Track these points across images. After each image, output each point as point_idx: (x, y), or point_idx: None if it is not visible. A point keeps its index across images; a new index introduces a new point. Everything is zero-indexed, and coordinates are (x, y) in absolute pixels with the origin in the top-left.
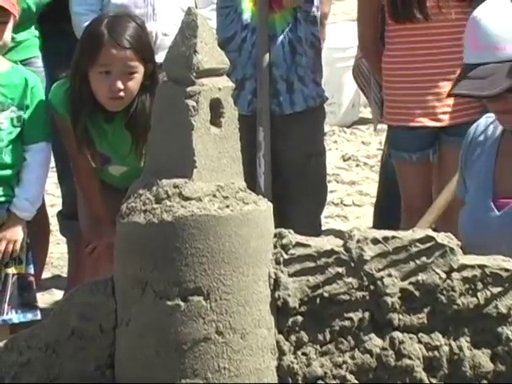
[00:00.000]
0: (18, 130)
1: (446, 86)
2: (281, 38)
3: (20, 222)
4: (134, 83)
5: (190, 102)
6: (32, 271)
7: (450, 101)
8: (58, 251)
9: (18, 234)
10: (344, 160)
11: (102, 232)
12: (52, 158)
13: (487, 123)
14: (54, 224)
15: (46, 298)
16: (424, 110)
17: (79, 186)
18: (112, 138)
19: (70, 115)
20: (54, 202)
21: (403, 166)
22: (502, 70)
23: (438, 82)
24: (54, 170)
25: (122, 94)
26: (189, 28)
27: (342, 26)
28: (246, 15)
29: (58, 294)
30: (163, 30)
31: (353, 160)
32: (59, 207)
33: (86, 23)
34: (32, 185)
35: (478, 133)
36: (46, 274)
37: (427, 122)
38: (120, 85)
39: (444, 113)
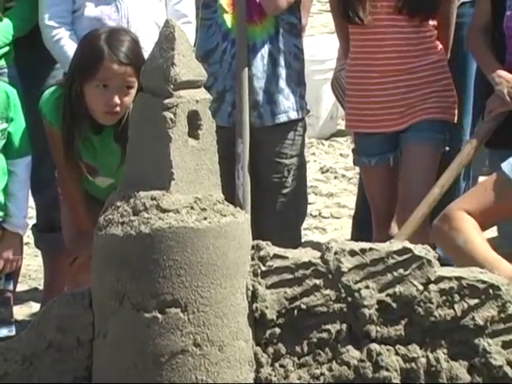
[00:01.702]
0: (3, 142)
1: (394, 89)
2: (261, 49)
3: (19, 240)
4: (130, 98)
5: (168, 114)
6: (10, 287)
7: (408, 102)
8: (35, 263)
9: (18, 251)
10: (322, 172)
11: (84, 243)
12: None
13: None
14: (31, 236)
15: (24, 311)
16: (380, 116)
17: (64, 196)
18: (100, 150)
19: (60, 125)
20: (32, 214)
21: (364, 171)
22: None
23: (390, 87)
24: None
25: (117, 109)
26: (166, 40)
27: (319, 38)
28: (226, 27)
29: (35, 307)
30: None
31: (331, 172)
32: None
33: (58, 36)
34: (25, 201)
35: None
36: (23, 287)
37: (384, 128)
38: (117, 100)
39: (400, 117)
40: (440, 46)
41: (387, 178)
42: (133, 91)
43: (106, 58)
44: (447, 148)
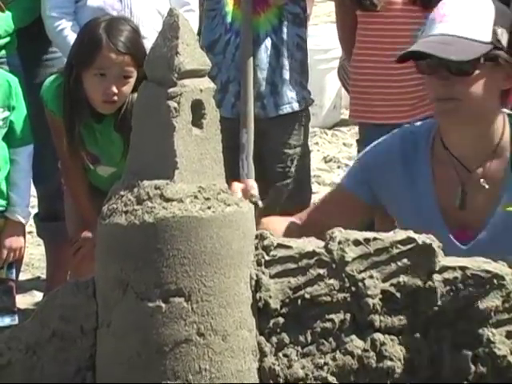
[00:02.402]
0: (5, 130)
1: (408, 81)
2: (265, 40)
3: (22, 229)
4: (128, 87)
5: (172, 104)
6: (13, 276)
7: (414, 95)
8: (38, 252)
9: (21, 241)
10: (325, 162)
11: (87, 232)
12: None
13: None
14: (33, 225)
15: (27, 300)
16: (388, 107)
17: (67, 186)
18: (102, 139)
19: (61, 113)
20: (34, 203)
21: None
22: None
23: (402, 79)
24: None
25: (115, 98)
26: (170, 29)
27: (323, 27)
28: (230, 18)
29: (38, 296)
30: (141, 33)
31: (334, 162)
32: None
33: (60, 27)
34: (28, 190)
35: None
36: (26, 276)
37: (394, 120)
38: (114, 89)
39: (409, 109)
40: None
41: None
42: (131, 81)
43: (104, 47)
44: None
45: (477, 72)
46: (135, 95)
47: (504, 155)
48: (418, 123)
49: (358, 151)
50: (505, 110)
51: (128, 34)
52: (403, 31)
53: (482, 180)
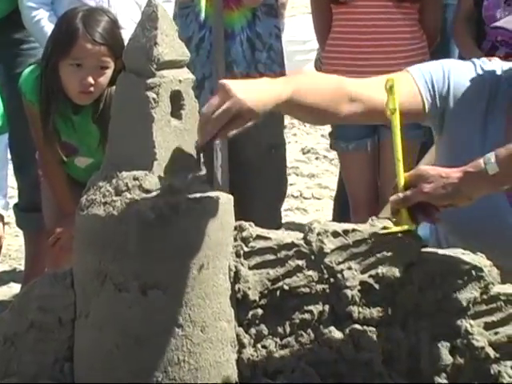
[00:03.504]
0: None
1: (379, 73)
2: (240, 35)
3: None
4: (105, 78)
5: (151, 94)
6: None
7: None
8: (16, 243)
9: (1, 231)
10: (303, 153)
11: (65, 224)
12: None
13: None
14: (12, 216)
15: (4, 291)
16: None
17: (44, 176)
18: (79, 129)
19: (39, 103)
20: (12, 193)
21: (342, 156)
22: None
23: (369, 70)
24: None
25: (91, 89)
26: (149, 20)
27: (301, 18)
28: (203, 15)
29: (16, 287)
30: (119, 24)
31: (312, 153)
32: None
33: (38, 17)
34: (5, 180)
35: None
36: (3, 267)
37: None
38: (91, 80)
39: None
40: (422, 31)
41: (365, 164)
42: (108, 72)
43: (81, 37)
44: (425, 139)
45: None
46: (114, 88)
47: None
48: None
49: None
50: None
51: (105, 25)
52: (375, 21)
53: None
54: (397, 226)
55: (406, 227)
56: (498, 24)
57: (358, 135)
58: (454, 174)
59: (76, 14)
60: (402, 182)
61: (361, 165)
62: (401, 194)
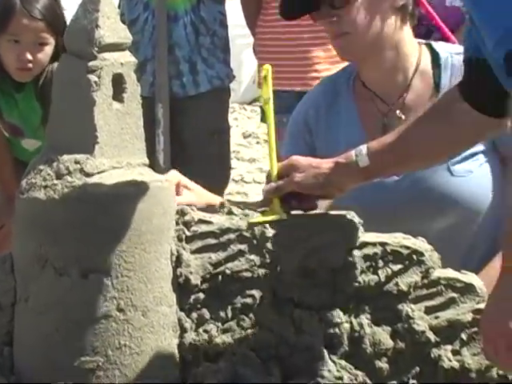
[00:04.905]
0: None
1: (316, 51)
2: (183, 18)
3: None
4: (44, 55)
5: (92, 77)
6: None
7: (320, 66)
8: None
9: None
10: (244, 137)
11: (10, 210)
12: None
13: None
14: None
15: None
16: (293, 74)
17: None
18: (23, 108)
19: None
20: None
21: (277, 129)
22: None
23: (310, 48)
24: None
25: (30, 65)
26: (90, 2)
27: None
28: None
29: None
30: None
31: (253, 137)
32: None
33: None
34: None
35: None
36: None
37: (297, 87)
38: (29, 56)
39: (313, 78)
40: None
41: None
42: (47, 48)
43: (18, 12)
44: None
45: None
46: (55, 64)
47: (426, 82)
48: (337, 71)
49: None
50: (420, 40)
51: (44, 1)
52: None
53: (398, 111)
54: (268, 216)
55: (274, 217)
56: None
57: (292, 108)
58: (325, 164)
59: None
60: (275, 171)
61: None
62: (273, 184)
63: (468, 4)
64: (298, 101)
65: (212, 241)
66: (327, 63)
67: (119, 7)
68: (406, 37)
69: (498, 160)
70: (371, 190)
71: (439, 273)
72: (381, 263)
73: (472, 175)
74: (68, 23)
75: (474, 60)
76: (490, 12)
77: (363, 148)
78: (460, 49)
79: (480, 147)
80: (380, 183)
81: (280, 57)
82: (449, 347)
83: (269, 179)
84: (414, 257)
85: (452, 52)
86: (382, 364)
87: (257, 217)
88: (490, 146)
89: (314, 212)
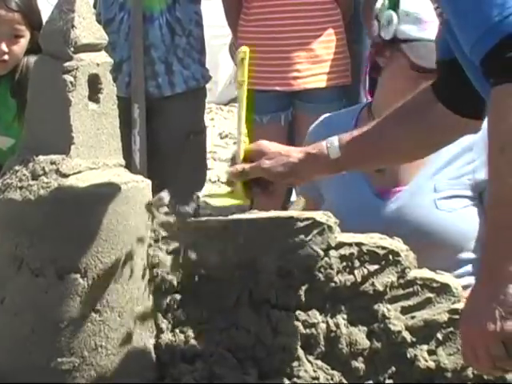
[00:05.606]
0: None
1: (298, 51)
2: (159, 19)
3: None
4: (19, 48)
5: (68, 78)
6: None
7: (301, 66)
8: None
9: None
10: (221, 138)
11: None
12: None
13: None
14: None
15: None
16: (274, 74)
17: None
18: None
19: None
20: None
21: (256, 130)
22: None
23: (291, 48)
24: None
25: (6, 57)
26: (66, 2)
27: (218, 3)
28: None
29: None
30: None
31: (230, 138)
32: None
33: None
34: None
35: None
36: None
37: (277, 87)
38: (4, 47)
39: (294, 78)
40: (338, 10)
41: (278, 137)
42: (22, 41)
43: None
44: None
45: None
46: (31, 58)
47: None
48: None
49: None
50: None
51: None
52: (291, 1)
53: None
54: (230, 198)
55: (237, 201)
56: None
57: (272, 108)
58: (295, 153)
59: None
60: (241, 154)
61: (274, 138)
62: (239, 167)
63: (445, 7)
64: (278, 101)
65: (188, 241)
66: (308, 63)
67: (95, 7)
68: None
69: (484, 212)
70: (356, 214)
71: (415, 273)
72: (357, 263)
73: (456, 212)
74: (43, 24)
75: (448, 61)
76: (466, 16)
77: (335, 140)
78: None
79: (468, 192)
80: (366, 207)
81: (261, 56)
82: (425, 347)
83: (234, 161)
84: (390, 257)
85: None
86: (359, 364)
87: (222, 199)
88: (477, 198)
89: (290, 212)
